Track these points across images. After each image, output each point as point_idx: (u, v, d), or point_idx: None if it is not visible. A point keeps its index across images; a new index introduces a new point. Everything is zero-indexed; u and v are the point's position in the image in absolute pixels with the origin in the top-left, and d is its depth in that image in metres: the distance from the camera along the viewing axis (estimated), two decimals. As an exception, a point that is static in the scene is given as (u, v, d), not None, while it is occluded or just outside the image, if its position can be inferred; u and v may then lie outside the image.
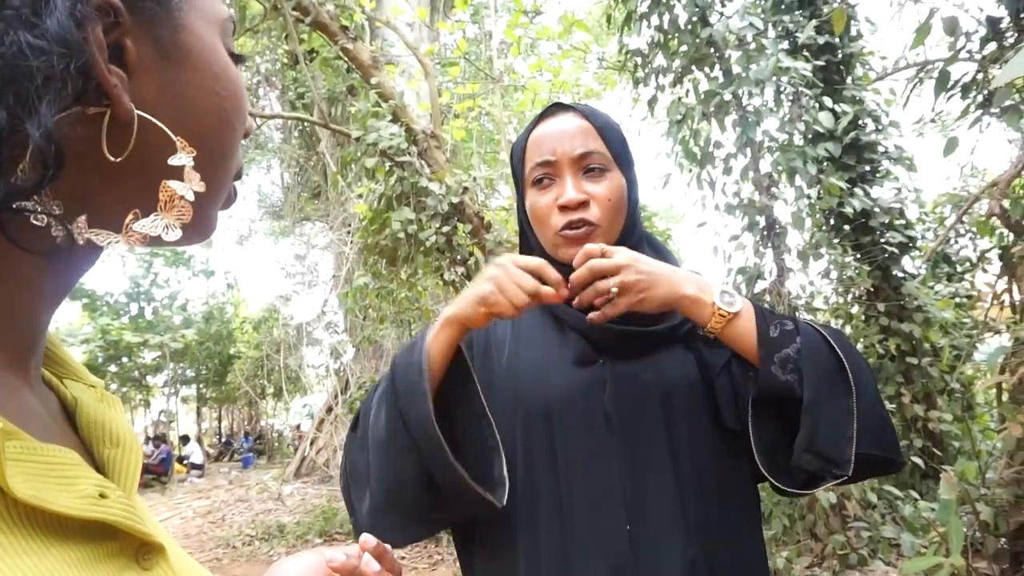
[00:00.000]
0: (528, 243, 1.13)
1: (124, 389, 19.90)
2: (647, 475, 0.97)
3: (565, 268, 1.06)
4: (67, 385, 0.43)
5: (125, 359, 17.90)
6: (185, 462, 15.43)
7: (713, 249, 4.64)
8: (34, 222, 0.33)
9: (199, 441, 17.93)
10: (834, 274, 4.92)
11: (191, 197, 0.38)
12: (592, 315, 0.95)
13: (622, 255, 0.95)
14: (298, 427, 19.35)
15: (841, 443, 0.91)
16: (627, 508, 0.95)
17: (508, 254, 1.01)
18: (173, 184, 0.38)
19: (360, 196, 5.37)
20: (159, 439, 15.65)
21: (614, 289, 0.93)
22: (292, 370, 12.66)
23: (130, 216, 0.37)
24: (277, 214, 14.72)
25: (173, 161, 0.37)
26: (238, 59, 0.43)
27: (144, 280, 16.82)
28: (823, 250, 4.61)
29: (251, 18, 5.82)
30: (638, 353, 1.03)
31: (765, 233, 4.42)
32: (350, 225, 8.42)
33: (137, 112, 0.35)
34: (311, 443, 11.91)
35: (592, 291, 0.94)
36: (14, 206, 0.32)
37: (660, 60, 4.72)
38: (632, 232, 1.10)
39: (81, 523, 0.33)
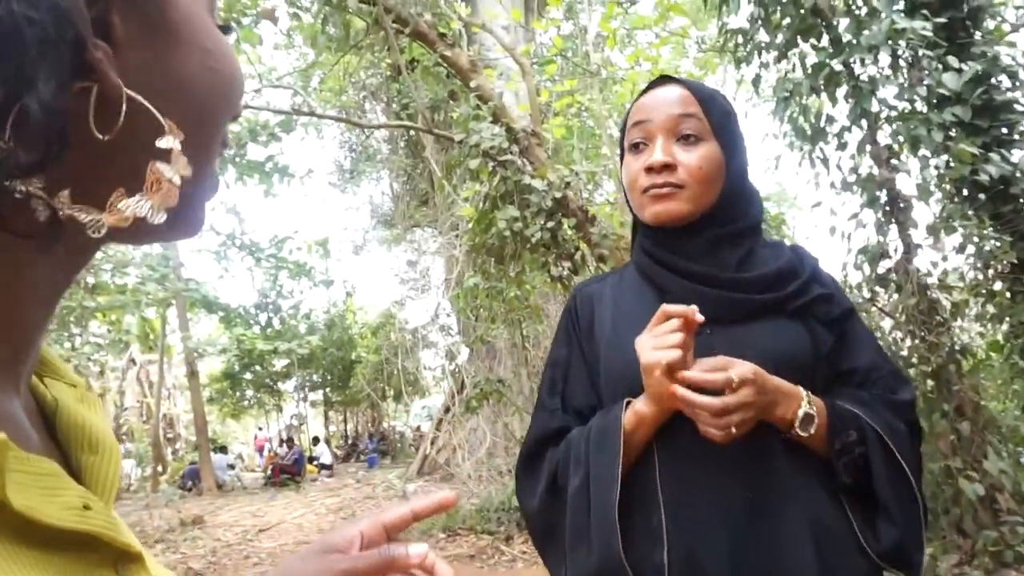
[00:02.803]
0: (631, 208, 1.16)
1: (259, 394, 21.38)
2: (761, 442, 0.96)
3: (651, 230, 1.08)
4: (47, 384, 0.42)
5: (258, 367, 19.19)
6: (315, 463, 16.34)
7: (830, 230, 4.40)
8: (16, 196, 0.31)
9: (327, 443, 18.94)
10: (970, 248, 4.54)
11: (177, 181, 0.37)
12: (716, 436, 0.93)
13: (746, 369, 0.93)
14: (418, 428, 20.03)
15: (914, 550, 0.97)
16: (745, 475, 0.95)
17: None
18: (160, 166, 0.37)
19: (466, 199, 5.49)
20: (291, 441, 16.69)
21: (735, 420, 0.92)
22: (410, 373, 13.10)
23: (115, 194, 0.35)
24: (389, 223, 15.23)
25: (161, 143, 0.36)
26: (224, 30, 0.42)
27: (271, 292, 17.91)
28: (956, 223, 4.26)
29: (355, 34, 6.09)
30: (745, 320, 1.03)
31: (888, 209, 4.15)
32: (458, 228, 8.61)
33: (126, 91, 0.34)
34: (431, 443, 12.30)
35: (732, 419, 0.92)
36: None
37: (762, 36, 4.52)
38: (731, 211, 1.07)
39: (61, 535, 0.33)
